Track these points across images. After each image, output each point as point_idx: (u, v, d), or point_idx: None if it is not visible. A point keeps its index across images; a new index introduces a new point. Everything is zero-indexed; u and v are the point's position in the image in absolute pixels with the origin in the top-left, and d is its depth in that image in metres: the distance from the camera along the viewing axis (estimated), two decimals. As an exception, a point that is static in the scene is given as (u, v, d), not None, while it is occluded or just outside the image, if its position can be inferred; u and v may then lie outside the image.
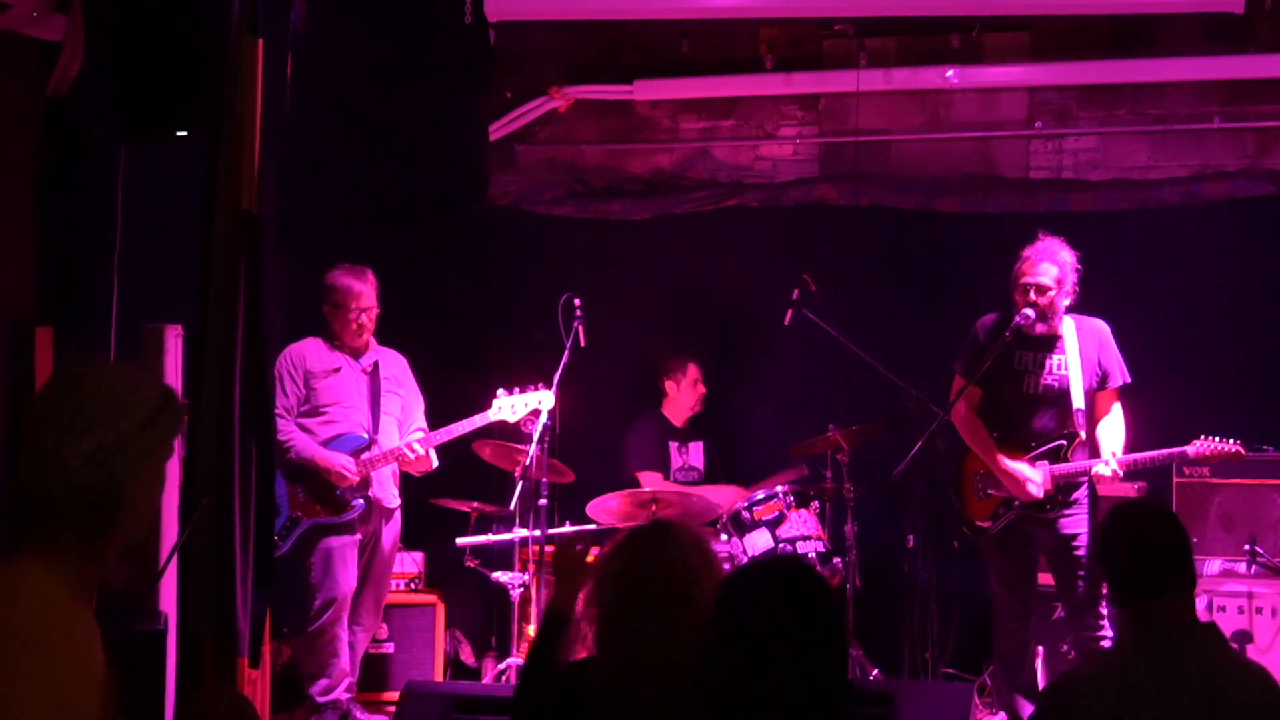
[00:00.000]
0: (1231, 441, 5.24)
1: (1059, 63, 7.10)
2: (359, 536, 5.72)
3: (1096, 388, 5.38)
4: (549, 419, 5.84)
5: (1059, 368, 5.37)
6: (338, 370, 5.76)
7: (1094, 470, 5.22)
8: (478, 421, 5.77)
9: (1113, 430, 5.31)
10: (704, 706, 2.39)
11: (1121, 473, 5.22)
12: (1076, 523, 5.32)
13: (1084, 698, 2.80)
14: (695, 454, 6.86)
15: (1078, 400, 5.31)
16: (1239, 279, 6.64)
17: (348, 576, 5.68)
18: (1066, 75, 7.11)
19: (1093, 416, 5.37)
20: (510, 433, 6.06)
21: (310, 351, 5.77)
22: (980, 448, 5.46)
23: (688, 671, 2.56)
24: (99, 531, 2.01)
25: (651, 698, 2.73)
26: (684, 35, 7.36)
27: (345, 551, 5.68)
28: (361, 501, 5.68)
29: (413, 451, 5.69)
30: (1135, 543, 2.93)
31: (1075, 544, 5.30)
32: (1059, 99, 7.16)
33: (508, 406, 5.77)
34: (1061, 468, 5.28)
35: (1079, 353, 5.35)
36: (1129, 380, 5.40)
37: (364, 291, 5.73)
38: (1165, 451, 5.27)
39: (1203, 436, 5.26)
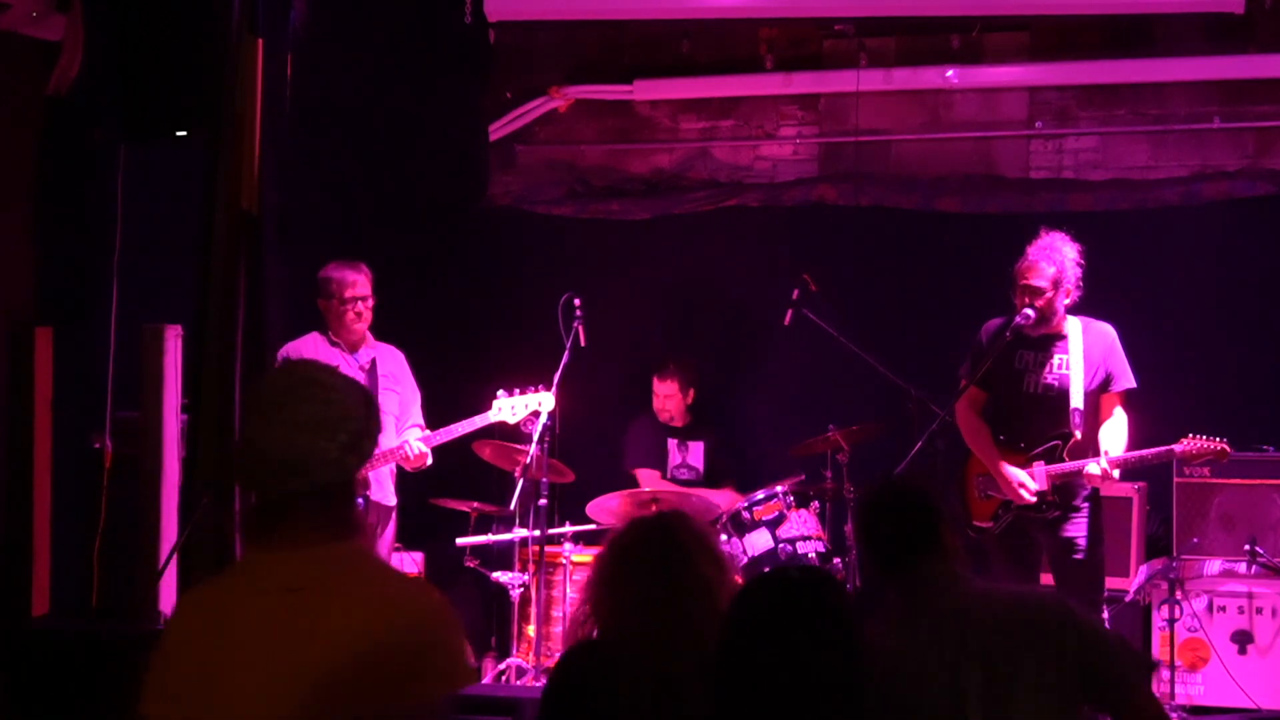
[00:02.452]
0: (1218, 440, 5.25)
1: (1059, 63, 7.10)
2: None
3: (1099, 390, 5.37)
4: (549, 419, 5.84)
5: (1060, 367, 5.36)
6: (336, 368, 5.74)
7: (1085, 470, 5.21)
8: (477, 422, 5.75)
9: (1113, 433, 5.29)
10: (717, 705, 2.41)
11: (1114, 473, 5.21)
12: (1077, 527, 5.32)
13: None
14: (695, 454, 6.86)
15: (1076, 400, 5.30)
16: (1239, 279, 6.64)
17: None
18: (1066, 75, 7.11)
19: (1095, 419, 5.36)
20: (510, 433, 6.06)
21: (307, 350, 5.74)
22: (980, 449, 5.45)
23: (696, 655, 2.58)
24: (347, 505, 2.31)
25: (669, 677, 2.73)
26: (684, 35, 7.36)
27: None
28: (360, 500, 5.67)
29: (412, 451, 5.69)
30: (882, 521, 3.09)
31: (1075, 547, 5.29)
32: (1059, 99, 7.16)
33: (507, 408, 5.76)
34: (1056, 467, 5.28)
35: (1082, 353, 5.33)
36: (1134, 386, 5.37)
37: (358, 280, 5.69)
38: (1153, 450, 5.27)
39: (1190, 435, 5.27)
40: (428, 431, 5.82)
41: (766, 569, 5.80)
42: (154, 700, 2.25)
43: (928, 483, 3.23)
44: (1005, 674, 2.81)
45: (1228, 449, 5.25)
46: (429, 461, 5.78)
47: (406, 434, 5.82)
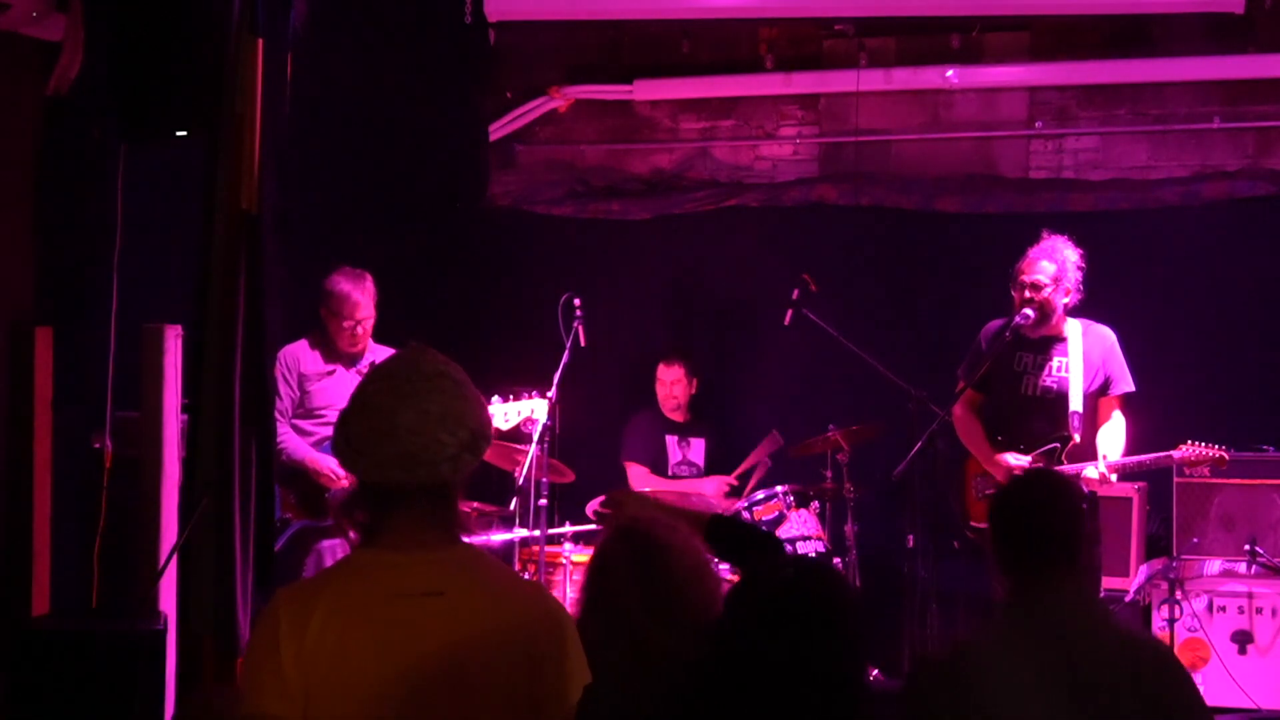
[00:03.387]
0: (1217, 447, 5.26)
1: (1059, 63, 7.10)
2: (350, 538, 5.68)
3: (1098, 393, 5.38)
4: (549, 419, 5.84)
5: (1059, 369, 5.37)
6: (331, 373, 5.73)
7: (1084, 474, 5.21)
8: None
9: (1112, 437, 5.30)
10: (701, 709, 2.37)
11: (1111, 477, 5.21)
12: None
13: (947, 668, 2.85)
14: (697, 450, 6.86)
15: (1075, 403, 5.31)
16: (1239, 279, 6.64)
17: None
18: (1066, 75, 7.10)
19: (1093, 422, 5.36)
20: (510, 432, 6.06)
21: (304, 354, 5.74)
22: (972, 444, 5.46)
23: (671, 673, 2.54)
24: (456, 506, 2.29)
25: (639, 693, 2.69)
26: (684, 35, 7.36)
27: (336, 553, 5.65)
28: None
29: None
30: (1023, 518, 2.94)
31: None
32: (1059, 99, 7.16)
33: (500, 415, 5.74)
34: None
35: (1082, 356, 5.34)
36: (1133, 389, 5.39)
37: (361, 302, 5.66)
38: (1153, 456, 5.28)
39: (1189, 441, 5.28)
40: None
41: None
42: (275, 698, 2.18)
43: (1075, 489, 3.07)
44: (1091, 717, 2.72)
45: (1225, 455, 5.26)
46: None
47: None
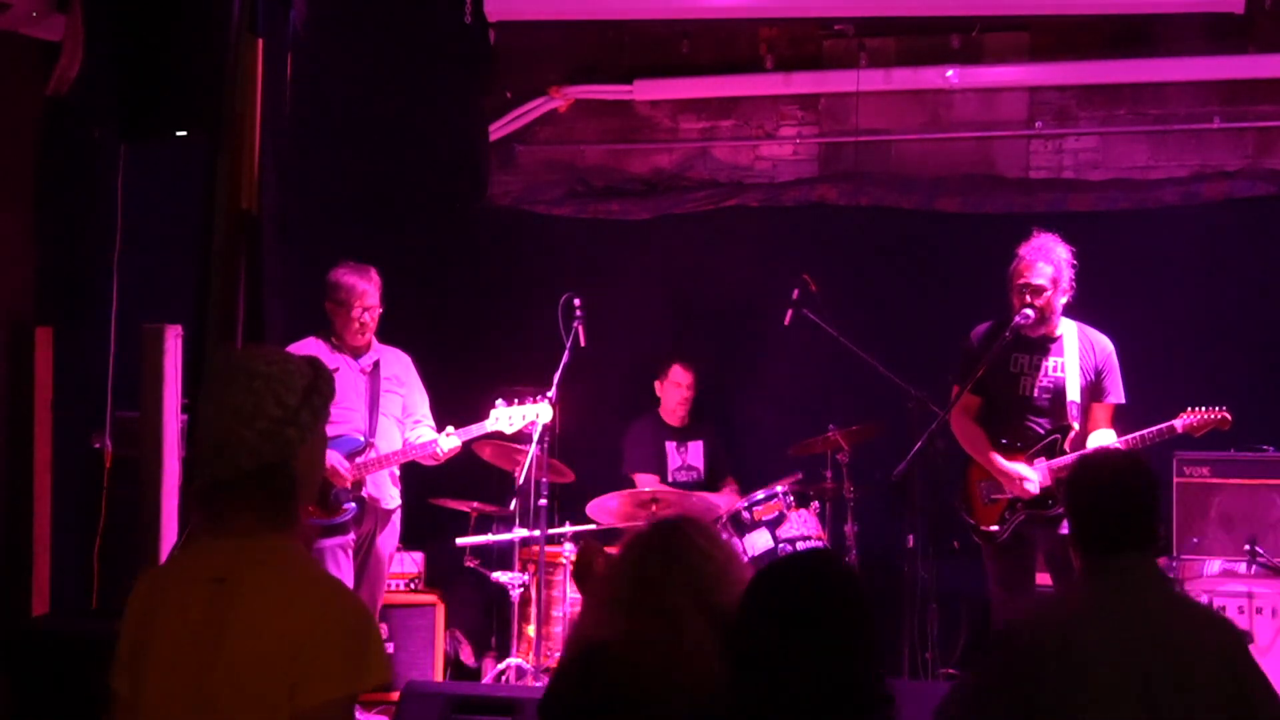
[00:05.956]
0: (1218, 409, 5.23)
1: (1059, 63, 7.10)
2: (352, 537, 5.70)
3: (1090, 396, 5.37)
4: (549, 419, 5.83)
5: (1055, 370, 5.37)
6: (336, 371, 5.71)
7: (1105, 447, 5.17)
8: (474, 431, 5.74)
9: (1104, 440, 5.30)
10: (728, 701, 2.39)
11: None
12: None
13: (1030, 640, 2.90)
14: (695, 454, 6.86)
15: (1072, 395, 5.32)
16: (1239, 279, 6.64)
17: (341, 577, 5.66)
18: (1066, 75, 7.11)
19: (1085, 427, 5.36)
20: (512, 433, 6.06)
21: (309, 352, 5.74)
22: (976, 451, 5.45)
23: (700, 661, 2.56)
24: (284, 496, 2.35)
25: (668, 684, 2.70)
26: (684, 35, 7.36)
27: (337, 552, 5.65)
28: (354, 504, 5.65)
29: (443, 450, 5.67)
30: (1099, 498, 3.01)
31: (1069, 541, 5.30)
32: (1059, 99, 7.17)
33: (505, 418, 5.74)
34: (1059, 461, 5.28)
35: (1077, 355, 5.35)
36: (1124, 402, 5.39)
37: (367, 290, 5.70)
38: (1155, 429, 5.25)
39: (1189, 409, 5.25)
40: (440, 433, 5.78)
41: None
42: (116, 673, 2.40)
43: (1150, 469, 3.14)
44: (1177, 692, 2.80)
45: (1228, 416, 5.23)
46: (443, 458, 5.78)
47: (419, 433, 5.80)
